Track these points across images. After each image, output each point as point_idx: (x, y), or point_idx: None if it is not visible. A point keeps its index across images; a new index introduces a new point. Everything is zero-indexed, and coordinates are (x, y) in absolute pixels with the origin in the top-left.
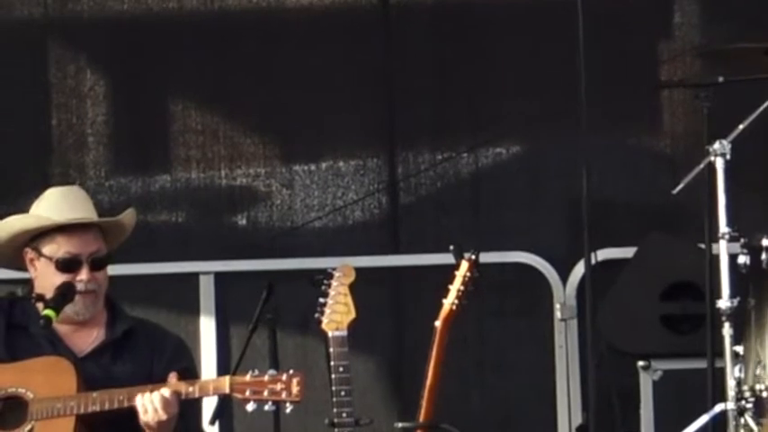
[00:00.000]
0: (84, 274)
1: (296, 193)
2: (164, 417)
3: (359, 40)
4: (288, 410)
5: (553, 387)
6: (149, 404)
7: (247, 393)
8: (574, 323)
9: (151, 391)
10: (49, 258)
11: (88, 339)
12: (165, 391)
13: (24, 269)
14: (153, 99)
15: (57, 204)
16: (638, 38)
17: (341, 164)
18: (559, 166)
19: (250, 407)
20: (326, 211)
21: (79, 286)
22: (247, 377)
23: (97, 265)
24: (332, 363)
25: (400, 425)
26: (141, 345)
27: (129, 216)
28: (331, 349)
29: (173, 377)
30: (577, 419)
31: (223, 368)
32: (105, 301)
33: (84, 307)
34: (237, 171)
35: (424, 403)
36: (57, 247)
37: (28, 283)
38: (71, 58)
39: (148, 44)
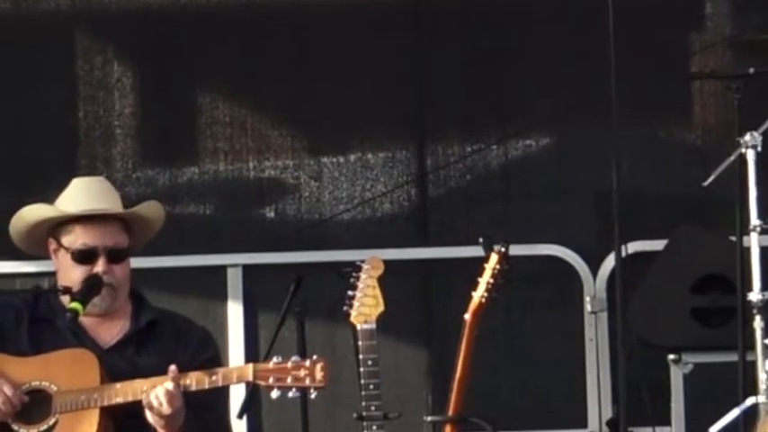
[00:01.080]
0: (100, 267)
1: (324, 185)
2: (168, 410)
3: (388, 32)
4: (312, 396)
5: (583, 380)
6: (154, 399)
7: (271, 380)
8: (604, 316)
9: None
10: (67, 249)
11: (113, 331)
12: (169, 384)
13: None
14: (180, 91)
15: (78, 195)
16: (669, 29)
17: (369, 156)
18: (589, 157)
19: (274, 394)
20: (355, 203)
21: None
22: (270, 364)
23: (114, 257)
24: (360, 356)
25: (429, 418)
26: (166, 336)
27: (150, 208)
28: (359, 342)
29: (173, 369)
30: (608, 413)
31: (251, 360)
32: (130, 293)
33: (100, 299)
34: (265, 163)
35: (453, 396)
36: (74, 238)
37: (54, 275)
38: (98, 50)
39: (176, 35)
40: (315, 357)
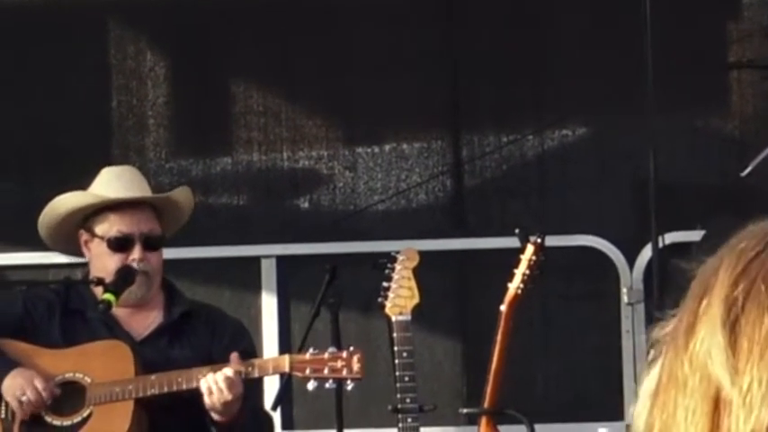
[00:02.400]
0: (136, 254)
1: (359, 175)
2: (229, 397)
3: (423, 21)
4: (349, 388)
5: (620, 372)
6: (214, 384)
7: (307, 371)
8: (641, 307)
9: (213, 371)
10: (102, 238)
11: (145, 323)
12: (229, 371)
13: (80, 254)
14: (214, 80)
15: (110, 183)
16: (707, 18)
17: (404, 146)
18: (626, 148)
19: (311, 385)
20: (390, 193)
21: (132, 266)
22: (307, 355)
23: (150, 244)
24: (395, 348)
25: (465, 411)
26: (200, 328)
27: (182, 193)
28: (394, 334)
29: (235, 357)
30: None
31: (285, 353)
32: (162, 283)
33: (137, 288)
34: (300, 153)
35: (488, 389)
36: (109, 226)
37: (85, 266)
38: (131, 39)
39: (209, 24)
40: (352, 348)
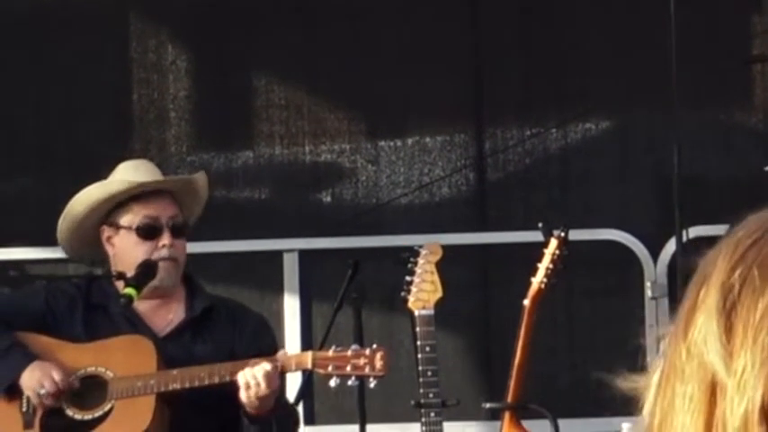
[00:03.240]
0: (166, 239)
1: (381, 169)
2: (266, 391)
3: (446, 14)
4: (371, 385)
5: (644, 367)
6: (252, 379)
7: (330, 368)
8: (665, 302)
9: (240, 367)
10: (129, 228)
11: (167, 318)
12: (267, 365)
13: (99, 256)
14: (236, 74)
15: (128, 174)
16: (730, 11)
17: (427, 139)
18: (650, 141)
19: (333, 382)
20: (413, 187)
21: (162, 253)
22: (330, 352)
23: (176, 231)
24: (418, 342)
25: (488, 405)
26: (222, 323)
27: (200, 178)
28: (417, 328)
29: (279, 355)
30: None
31: (307, 347)
32: (184, 279)
33: (167, 275)
34: (322, 147)
35: (511, 383)
36: (133, 216)
37: (106, 262)
38: (152, 32)
39: (231, 17)
40: (375, 346)
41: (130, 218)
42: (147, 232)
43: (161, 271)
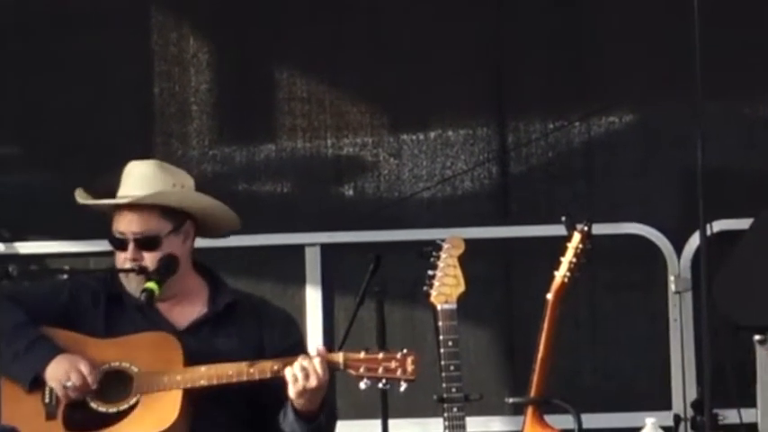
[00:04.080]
0: (129, 253)
1: (404, 162)
2: (314, 384)
3: (469, 7)
4: (402, 389)
5: (667, 361)
6: (300, 372)
7: (361, 370)
8: (689, 296)
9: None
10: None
11: (188, 315)
12: (317, 360)
13: None
14: (257, 67)
15: (123, 180)
16: (754, 3)
17: (450, 133)
18: (674, 134)
19: (363, 384)
20: (435, 181)
21: (125, 264)
22: (362, 354)
23: (143, 245)
24: (441, 337)
25: (511, 400)
26: (247, 319)
27: (171, 195)
28: (440, 323)
29: (320, 350)
30: (692, 394)
31: (329, 341)
32: (207, 275)
33: (136, 286)
34: (344, 140)
35: (534, 378)
36: (114, 225)
37: None
38: (174, 25)
39: (253, 10)
40: (406, 351)
41: (113, 226)
42: (116, 245)
43: (132, 282)
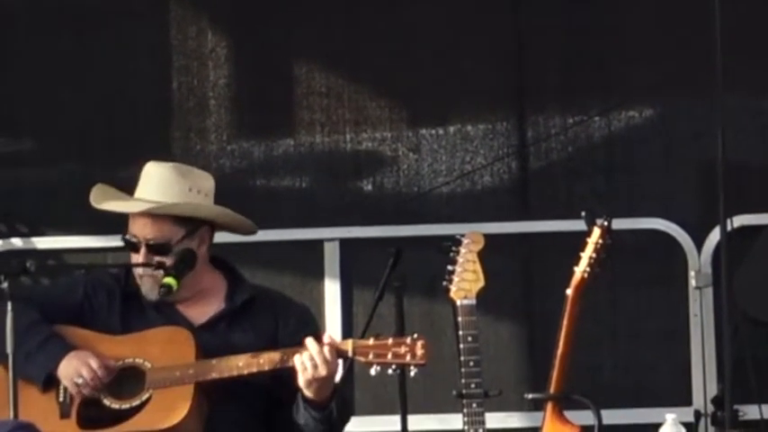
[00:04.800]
0: (140, 257)
1: (423, 157)
2: (323, 373)
3: (488, 1)
4: (412, 374)
5: (688, 357)
6: (308, 360)
7: (370, 356)
8: (709, 291)
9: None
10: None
11: (206, 312)
12: (326, 348)
13: None
14: (276, 61)
15: (141, 183)
16: None
17: (469, 128)
18: (694, 129)
19: (373, 371)
20: (454, 176)
21: (138, 269)
22: (370, 340)
23: (155, 250)
24: (460, 332)
25: (530, 396)
26: (264, 313)
27: (186, 207)
28: (459, 318)
29: (311, 341)
30: (713, 390)
31: (348, 336)
32: (225, 271)
33: (147, 289)
34: (363, 135)
35: (554, 373)
36: (129, 227)
37: None
38: (192, 20)
39: (271, 5)
40: (416, 335)
41: (128, 228)
42: (130, 247)
43: (140, 282)
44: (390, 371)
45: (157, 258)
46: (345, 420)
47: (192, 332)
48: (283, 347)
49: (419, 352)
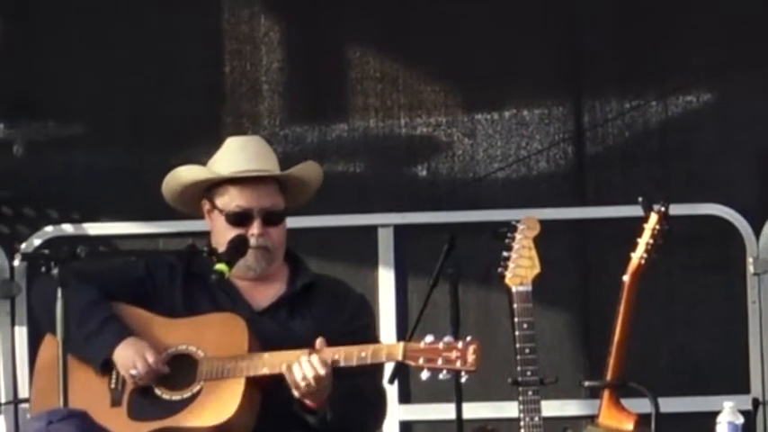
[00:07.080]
0: (255, 229)
1: (478, 142)
2: (313, 385)
3: None
4: (463, 380)
5: (746, 344)
6: (297, 372)
7: (421, 361)
8: (767, 278)
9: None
10: (221, 211)
11: (267, 294)
12: (315, 358)
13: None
14: (329, 45)
15: (232, 155)
16: None
17: (525, 112)
18: (752, 114)
19: (424, 375)
20: (510, 161)
21: (251, 241)
22: (422, 344)
23: (270, 220)
24: (515, 319)
25: (587, 383)
26: (322, 301)
27: (307, 169)
28: (515, 305)
29: (321, 342)
30: None
31: (402, 323)
32: (288, 256)
33: (255, 262)
34: (417, 120)
35: (611, 361)
36: (228, 200)
37: (197, 235)
38: (245, 3)
39: None
40: (468, 339)
41: (225, 201)
42: (237, 220)
43: (250, 258)
44: (441, 376)
45: (271, 230)
46: (381, 418)
47: (251, 319)
48: (337, 335)
49: (470, 358)
